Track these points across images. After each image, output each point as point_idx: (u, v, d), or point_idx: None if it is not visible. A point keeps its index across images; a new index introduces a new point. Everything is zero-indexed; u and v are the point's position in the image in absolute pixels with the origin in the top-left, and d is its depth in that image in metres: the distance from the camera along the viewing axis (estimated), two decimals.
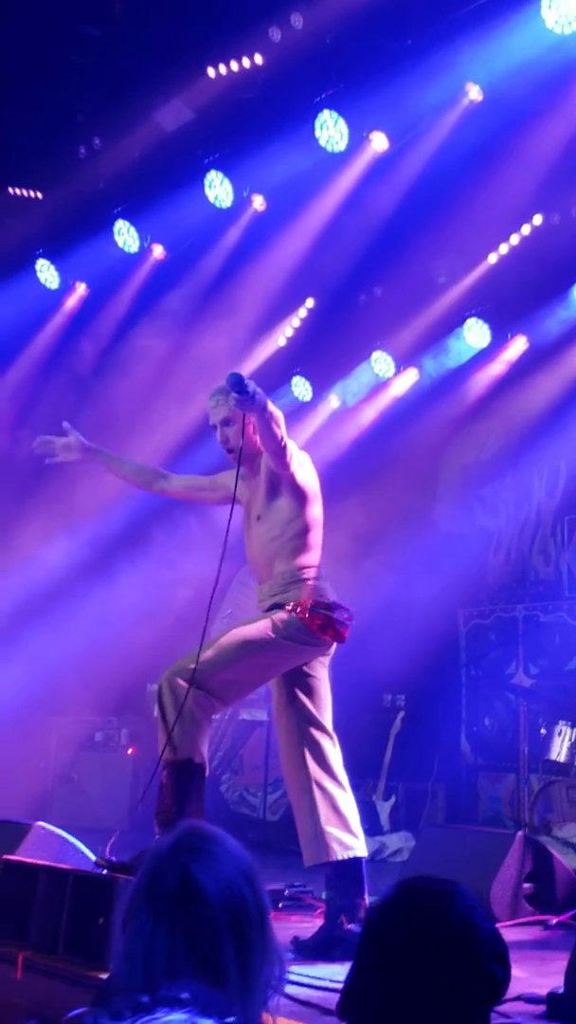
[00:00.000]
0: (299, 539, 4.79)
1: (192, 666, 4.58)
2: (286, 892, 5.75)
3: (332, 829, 4.67)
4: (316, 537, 4.84)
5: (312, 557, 4.81)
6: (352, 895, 4.68)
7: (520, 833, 5.74)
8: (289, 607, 4.69)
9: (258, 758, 8.60)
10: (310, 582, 4.76)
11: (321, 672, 4.86)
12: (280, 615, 4.69)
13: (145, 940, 1.92)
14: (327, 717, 4.83)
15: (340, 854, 4.67)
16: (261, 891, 2.04)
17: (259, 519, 4.87)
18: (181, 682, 4.56)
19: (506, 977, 1.85)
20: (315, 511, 4.84)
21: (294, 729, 4.78)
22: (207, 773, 4.79)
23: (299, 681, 4.81)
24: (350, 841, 4.70)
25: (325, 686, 4.87)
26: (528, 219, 7.89)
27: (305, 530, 4.80)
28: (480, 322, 8.66)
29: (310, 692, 4.81)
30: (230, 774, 9.09)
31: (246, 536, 5.00)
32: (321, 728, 4.78)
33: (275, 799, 8.59)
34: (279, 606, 4.72)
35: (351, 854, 4.70)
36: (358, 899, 4.68)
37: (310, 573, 4.78)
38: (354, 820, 4.75)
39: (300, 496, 4.80)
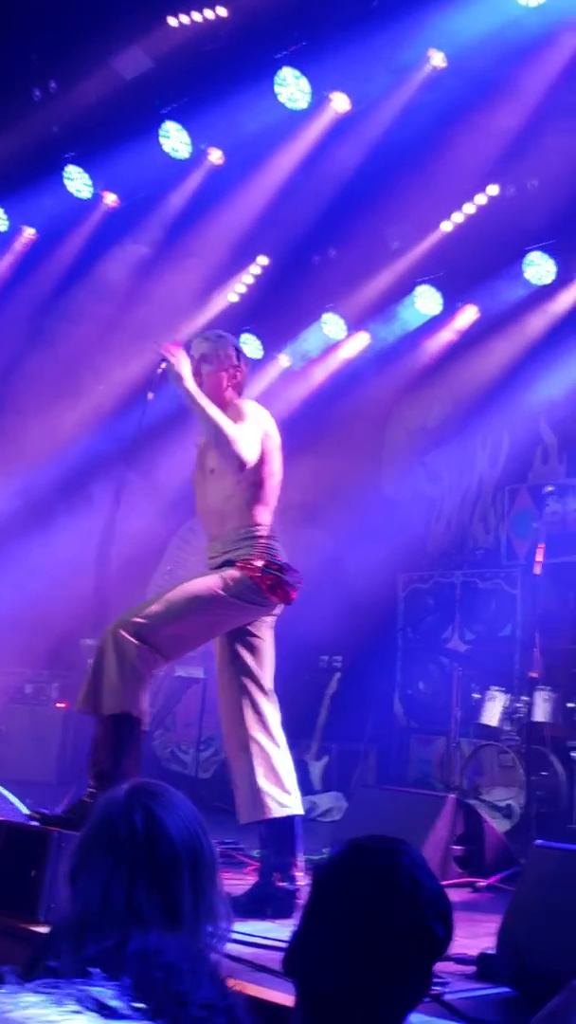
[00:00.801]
0: (252, 496, 4.78)
1: (137, 619, 4.57)
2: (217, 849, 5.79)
3: (268, 787, 4.70)
4: (270, 495, 4.82)
5: (265, 515, 4.80)
6: (286, 853, 4.73)
7: (452, 796, 5.83)
8: (240, 564, 4.70)
9: (192, 715, 8.64)
10: (262, 540, 4.76)
11: (266, 633, 4.88)
12: (231, 572, 4.68)
13: (103, 882, 1.96)
14: (268, 677, 4.86)
15: (276, 812, 4.71)
16: (211, 841, 2.11)
17: (213, 472, 4.85)
18: (126, 635, 4.54)
19: (448, 935, 1.91)
20: (271, 468, 4.82)
21: (235, 687, 4.80)
22: (144, 729, 4.79)
23: (243, 640, 4.83)
24: (285, 799, 4.75)
25: (269, 647, 4.89)
26: (483, 189, 7.90)
27: (259, 487, 4.79)
28: (432, 289, 8.68)
29: (253, 651, 4.83)
30: (162, 731, 9.12)
31: (198, 488, 4.96)
32: (261, 688, 4.81)
33: (207, 756, 8.64)
34: (230, 563, 4.73)
35: (287, 812, 4.74)
36: (291, 857, 4.73)
37: (262, 531, 4.77)
38: (290, 778, 4.79)
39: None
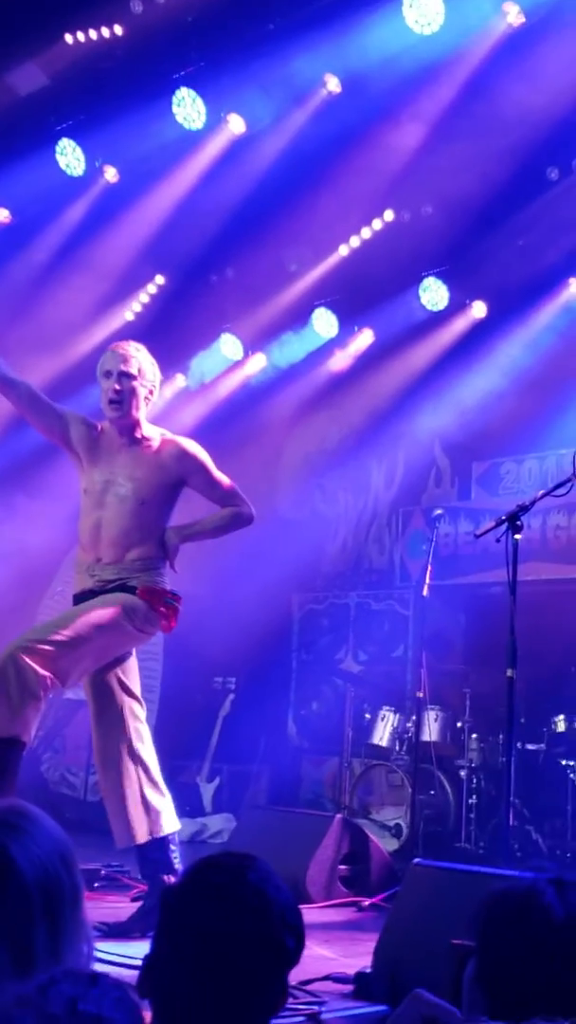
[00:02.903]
0: (159, 526, 4.76)
1: (41, 645, 4.43)
2: (102, 872, 5.72)
3: (157, 801, 4.67)
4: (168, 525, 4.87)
5: (160, 548, 4.78)
6: (172, 867, 4.69)
7: (338, 816, 5.84)
8: (144, 591, 4.63)
9: (81, 738, 8.50)
10: (161, 570, 4.74)
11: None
12: (133, 600, 4.61)
13: None
14: (137, 684, 4.82)
15: (167, 828, 4.68)
16: (76, 872, 2.02)
17: (122, 500, 4.73)
18: (29, 661, 4.38)
19: (299, 946, 1.90)
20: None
21: (110, 693, 4.72)
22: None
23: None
24: (171, 814, 4.72)
25: (134, 655, 4.88)
26: (379, 214, 7.99)
27: (167, 519, 4.80)
28: (328, 312, 8.75)
29: (122, 660, 4.78)
30: (52, 753, 8.98)
31: (94, 504, 4.78)
32: (133, 695, 4.77)
33: (97, 780, 8.53)
34: (127, 588, 4.67)
35: (173, 827, 4.73)
36: (172, 874, 4.69)
37: (160, 563, 4.75)
38: (164, 794, 4.74)
39: (177, 495, 4.83)
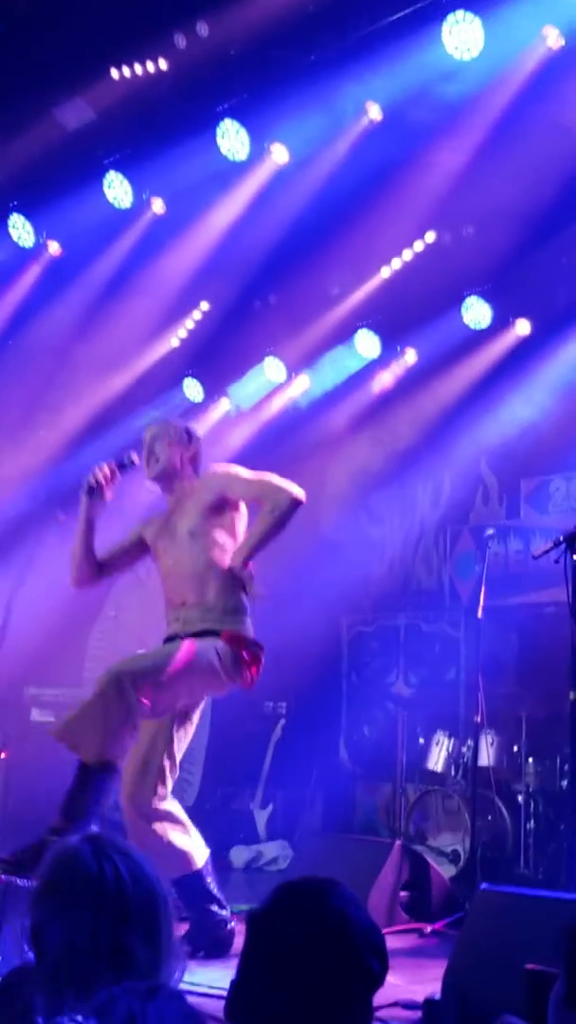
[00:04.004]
0: (224, 557, 4.87)
1: (146, 677, 4.55)
2: None
3: (183, 841, 4.79)
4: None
5: (236, 586, 4.86)
6: (207, 902, 4.80)
7: (398, 842, 5.84)
8: (228, 636, 4.75)
9: None
10: (247, 617, 4.87)
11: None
12: (221, 644, 4.73)
13: (90, 931, 1.98)
14: (183, 748, 4.95)
15: (198, 862, 4.83)
16: (169, 896, 2.14)
17: (192, 535, 4.91)
18: (133, 690, 4.50)
19: (383, 969, 1.93)
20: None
21: (150, 748, 4.85)
22: None
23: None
24: (200, 846, 4.87)
25: (197, 716, 4.99)
26: (420, 236, 8.05)
27: (227, 548, 4.90)
28: (371, 334, 8.79)
29: (185, 720, 4.92)
30: None
31: (163, 557, 5.03)
32: (174, 762, 4.90)
33: None
34: (214, 633, 4.74)
35: (204, 859, 4.87)
36: (211, 905, 4.81)
37: (243, 609, 4.88)
38: (189, 823, 4.87)
39: (226, 517, 4.92)
